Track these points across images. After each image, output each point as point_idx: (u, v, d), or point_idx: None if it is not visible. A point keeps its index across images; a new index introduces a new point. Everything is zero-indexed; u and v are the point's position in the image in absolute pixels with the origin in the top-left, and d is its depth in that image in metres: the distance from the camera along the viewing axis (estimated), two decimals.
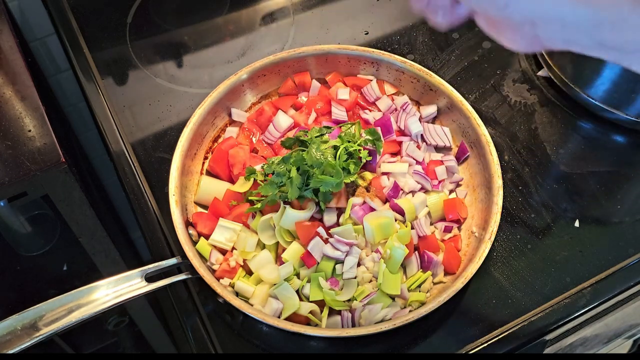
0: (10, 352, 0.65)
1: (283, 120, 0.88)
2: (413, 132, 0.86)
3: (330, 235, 0.76)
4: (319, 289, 0.74)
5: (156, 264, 0.75)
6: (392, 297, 0.76)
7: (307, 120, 0.89)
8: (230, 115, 0.90)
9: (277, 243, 0.78)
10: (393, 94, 0.92)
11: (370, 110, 0.90)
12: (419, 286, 0.77)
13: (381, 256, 0.76)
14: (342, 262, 0.75)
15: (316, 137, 0.79)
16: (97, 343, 1.31)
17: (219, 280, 0.76)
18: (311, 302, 0.75)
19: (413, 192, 0.83)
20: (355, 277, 0.76)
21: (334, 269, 0.76)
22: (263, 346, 0.77)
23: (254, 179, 0.80)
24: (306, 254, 0.75)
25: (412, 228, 0.79)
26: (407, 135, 0.87)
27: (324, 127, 0.82)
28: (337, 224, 0.78)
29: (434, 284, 0.78)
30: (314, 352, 0.77)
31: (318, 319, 0.75)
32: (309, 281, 0.76)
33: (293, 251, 0.76)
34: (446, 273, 0.79)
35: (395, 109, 0.90)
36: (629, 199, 0.87)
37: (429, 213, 0.82)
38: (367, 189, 0.81)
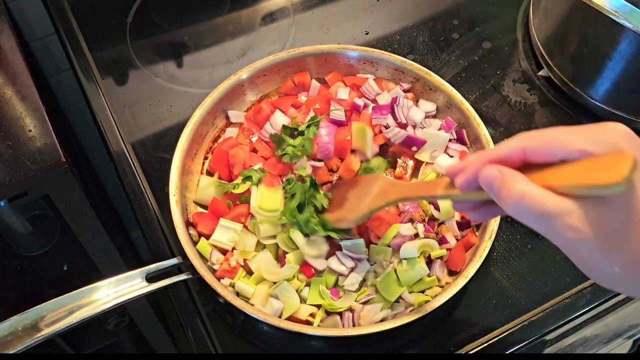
0: (12, 352, 0.65)
1: (280, 118, 0.87)
2: (417, 120, 0.86)
3: (338, 248, 0.75)
4: (318, 295, 0.74)
5: (157, 264, 0.75)
6: None
7: (304, 119, 0.88)
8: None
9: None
10: None
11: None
12: (423, 291, 0.77)
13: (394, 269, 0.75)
14: (345, 276, 0.75)
15: (307, 126, 0.79)
16: (97, 343, 1.31)
17: (219, 280, 0.76)
18: (309, 304, 0.75)
19: None
20: (356, 291, 0.75)
21: (337, 278, 0.75)
22: (263, 346, 0.77)
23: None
24: (305, 264, 0.75)
25: (437, 234, 0.79)
26: (411, 126, 0.86)
27: (313, 117, 0.81)
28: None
29: None
30: (314, 352, 0.77)
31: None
32: (307, 285, 0.75)
33: (297, 257, 0.76)
34: (449, 272, 0.79)
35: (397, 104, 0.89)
36: None
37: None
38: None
